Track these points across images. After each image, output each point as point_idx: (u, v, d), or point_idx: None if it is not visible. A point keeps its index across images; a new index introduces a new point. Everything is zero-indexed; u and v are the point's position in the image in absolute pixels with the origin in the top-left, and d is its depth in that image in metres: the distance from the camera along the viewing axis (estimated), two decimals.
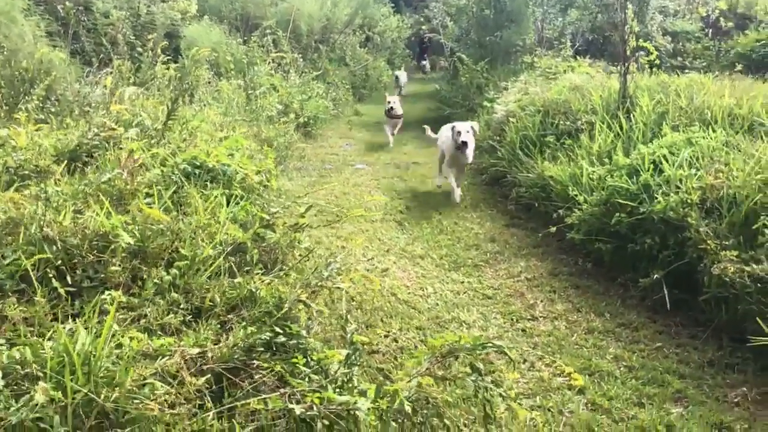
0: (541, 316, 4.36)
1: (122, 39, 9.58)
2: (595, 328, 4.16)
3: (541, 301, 4.58)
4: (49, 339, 2.34)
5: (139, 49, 9.50)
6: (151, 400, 2.17)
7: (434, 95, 15.05)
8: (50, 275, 2.83)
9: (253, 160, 5.36)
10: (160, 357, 2.41)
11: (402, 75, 17.43)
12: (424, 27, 21.84)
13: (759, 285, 3.57)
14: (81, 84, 7.18)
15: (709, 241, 3.97)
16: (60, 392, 2.07)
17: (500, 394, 2.83)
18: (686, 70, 9.85)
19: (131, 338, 2.43)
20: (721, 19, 13.09)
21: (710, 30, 13.33)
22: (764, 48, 10.79)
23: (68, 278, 2.88)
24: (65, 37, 8.85)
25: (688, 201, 4.32)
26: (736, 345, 3.78)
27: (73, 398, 2.07)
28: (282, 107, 9.88)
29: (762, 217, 3.75)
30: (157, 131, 5.33)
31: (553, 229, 5.54)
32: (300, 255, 3.73)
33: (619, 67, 6.97)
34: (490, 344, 2.97)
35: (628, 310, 4.41)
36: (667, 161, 4.83)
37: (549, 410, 3.25)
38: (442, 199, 7.33)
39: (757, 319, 3.43)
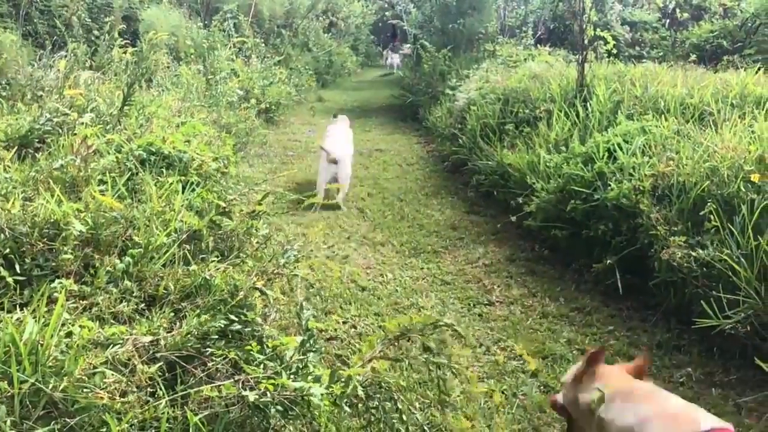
0: (497, 301, 4.43)
1: (77, 21, 9.32)
2: (549, 313, 4.25)
3: (498, 287, 4.65)
4: None
5: (96, 32, 9.26)
6: (101, 389, 2.15)
7: (398, 82, 15.06)
8: None
9: (212, 146, 5.30)
10: (112, 345, 2.38)
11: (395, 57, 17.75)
12: (387, 13, 21.80)
13: (704, 269, 3.69)
14: (34, 67, 6.98)
15: (659, 227, 4.08)
16: (6, 383, 2.04)
17: (452, 370, 2.86)
18: (643, 60, 10.06)
19: (82, 327, 2.39)
20: (678, 9, 13.37)
21: (667, 20, 13.61)
22: (717, 39, 11.07)
23: (17, 267, 2.82)
24: (16, 18, 8.58)
25: (641, 188, 4.42)
26: (684, 327, 3.91)
27: (20, 389, 2.04)
28: (243, 93, 9.77)
29: (708, 204, 3.87)
30: (113, 117, 5.23)
31: (513, 218, 5.63)
32: (257, 242, 3.71)
33: (577, 56, 7.08)
34: (441, 323, 3.02)
35: (582, 295, 4.52)
36: (621, 149, 4.94)
37: (503, 393, 3.32)
38: (403, 186, 7.37)
39: (702, 302, 3.55)
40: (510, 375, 3.49)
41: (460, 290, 4.60)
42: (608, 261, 4.46)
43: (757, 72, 6.11)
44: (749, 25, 11.00)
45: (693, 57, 10.07)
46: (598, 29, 7.20)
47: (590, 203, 4.77)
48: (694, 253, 3.76)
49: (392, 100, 14.02)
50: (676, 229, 4.04)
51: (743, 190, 3.84)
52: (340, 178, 6.49)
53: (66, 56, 7.30)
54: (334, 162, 6.51)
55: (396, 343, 2.80)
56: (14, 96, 6.09)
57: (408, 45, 19.23)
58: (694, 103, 5.56)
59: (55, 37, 8.63)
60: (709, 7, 12.80)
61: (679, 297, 3.98)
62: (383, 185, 7.40)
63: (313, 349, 2.69)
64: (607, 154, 5.02)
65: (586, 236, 4.76)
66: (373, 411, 2.54)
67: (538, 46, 11.93)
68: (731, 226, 3.70)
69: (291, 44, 15.46)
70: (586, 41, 6.80)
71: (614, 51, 8.04)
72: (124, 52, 8.14)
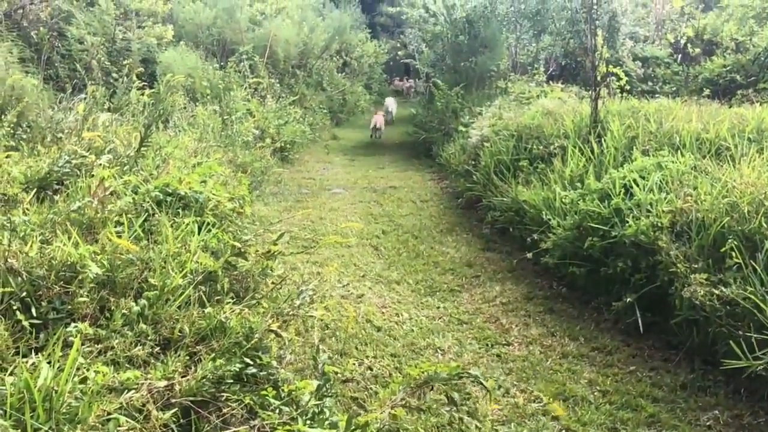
0: (516, 341, 4.36)
1: (97, 65, 9.54)
2: (569, 353, 4.17)
3: (516, 326, 4.58)
4: (10, 374, 2.28)
5: (114, 75, 9.46)
6: None
7: (411, 119, 15.19)
8: (14, 307, 2.76)
9: (227, 186, 5.33)
10: (126, 391, 2.36)
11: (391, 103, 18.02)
12: (400, 52, 22.14)
13: (728, 308, 3.61)
14: (54, 110, 7.11)
15: (679, 265, 4.02)
16: (20, 430, 2.01)
17: (476, 426, 2.82)
18: (656, 95, 10.08)
19: (96, 372, 2.38)
20: (689, 45, 13.43)
21: (679, 55, 13.66)
22: (730, 74, 11.08)
23: (33, 310, 2.82)
24: (38, 63, 8.78)
25: (659, 225, 4.37)
26: (708, 368, 3.81)
27: None
28: (258, 132, 9.88)
29: (729, 240, 3.81)
30: (130, 158, 5.29)
31: (530, 255, 5.59)
32: (273, 283, 3.69)
33: (590, 92, 7.10)
34: (466, 374, 2.97)
35: (602, 334, 4.43)
36: (637, 185, 4.90)
37: None
38: (418, 223, 7.35)
39: (730, 342, 3.46)
40: (530, 418, 3.40)
41: (477, 330, 4.53)
42: (628, 299, 4.38)
43: None
44: (762, 59, 11.01)
45: (706, 92, 10.07)
46: (610, 65, 7.23)
47: (608, 240, 4.71)
48: (716, 291, 3.69)
49: (405, 137, 14.12)
50: (696, 266, 3.97)
51: (765, 225, 3.78)
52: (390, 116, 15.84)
53: (85, 99, 7.44)
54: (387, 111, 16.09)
55: (417, 391, 2.73)
56: (34, 138, 6.18)
57: (410, 81, 20.70)
58: (710, 138, 5.53)
59: (75, 81, 8.82)
60: (721, 41, 12.84)
61: (703, 336, 3.89)
62: (398, 222, 7.38)
63: (330, 394, 2.64)
64: (623, 190, 4.99)
65: (604, 273, 4.70)
66: None
67: (550, 82, 12.00)
68: (754, 263, 3.63)
69: (305, 84, 15.68)
70: (598, 77, 6.83)
71: (627, 87, 8.07)
72: (142, 94, 8.30)
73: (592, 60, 6.98)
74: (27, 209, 4.03)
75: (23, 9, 9.44)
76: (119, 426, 2.16)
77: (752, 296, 3.46)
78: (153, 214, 4.05)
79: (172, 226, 3.73)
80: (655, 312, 4.34)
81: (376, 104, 20.75)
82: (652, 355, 4.12)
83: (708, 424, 3.34)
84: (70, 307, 2.90)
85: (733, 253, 3.75)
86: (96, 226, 3.74)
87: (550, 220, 5.42)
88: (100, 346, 2.70)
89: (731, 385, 3.62)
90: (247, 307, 3.18)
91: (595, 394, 3.67)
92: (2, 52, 7.59)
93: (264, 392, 2.53)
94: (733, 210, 4.08)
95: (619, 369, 3.96)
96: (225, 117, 9.38)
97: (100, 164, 4.83)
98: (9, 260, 2.91)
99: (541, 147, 6.97)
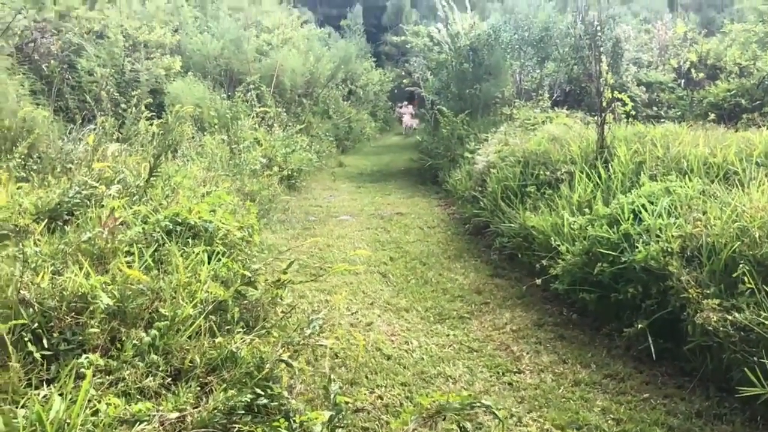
0: (527, 369, 4.31)
1: (106, 96, 9.68)
2: (581, 380, 4.12)
3: (527, 353, 4.54)
4: (22, 406, 2.27)
5: (123, 106, 9.59)
6: None
7: (417, 146, 15.26)
8: (26, 339, 2.77)
9: (236, 215, 5.35)
10: (138, 423, 2.35)
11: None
12: (405, 80, 22.38)
13: (742, 333, 3.58)
14: (64, 141, 7.20)
15: (690, 290, 3.99)
16: None
17: None
18: (662, 120, 10.11)
19: (108, 404, 2.37)
20: (693, 70, 13.50)
21: (683, 80, 13.73)
22: (734, 98, 11.11)
23: (44, 342, 2.82)
24: (49, 95, 8.92)
25: (669, 250, 4.35)
26: (723, 394, 3.76)
27: None
28: (266, 161, 9.95)
29: (741, 265, 3.78)
30: (139, 188, 5.33)
31: (539, 281, 5.57)
32: (282, 312, 3.69)
33: (596, 118, 7.14)
34: (479, 403, 2.94)
35: (614, 361, 4.38)
36: (646, 210, 4.89)
37: None
38: (426, 249, 7.34)
39: (744, 369, 3.42)
40: None
41: (488, 357, 4.49)
42: (639, 325, 4.34)
43: None
44: (767, 83, 11.06)
45: (712, 116, 10.10)
46: (615, 91, 7.28)
47: (618, 265, 4.69)
48: (729, 317, 3.65)
49: (411, 164, 14.18)
50: (708, 291, 3.94)
51: None
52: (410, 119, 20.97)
53: (95, 129, 7.53)
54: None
55: (430, 421, 2.70)
56: (45, 169, 6.25)
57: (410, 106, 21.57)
58: (718, 163, 5.53)
59: (85, 112, 8.94)
60: (725, 66, 12.91)
61: (716, 362, 3.84)
62: (405, 249, 7.37)
63: (342, 425, 2.62)
64: (632, 215, 4.98)
65: (615, 299, 4.66)
66: None
67: (555, 108, 12.07)
68: (767, 288, 3.60)
69: (312, 112, 15.84)
70: (604, 103, 6.86)
71: (632, 112, 8.11)
72: (151, 124, 8.40)
73: (597, 86, 7.03)
74: (38, 240, 4.06)
75: (34, 42, 9.62)
76: None
77: (766, 321, 3.43)
78: (163, 244, 4.07)
79: (182, 256, 3.74)
80: (667, 338, 4.30)
81: (382, 131, 21.06)
82: (666, 382, 4.07)
83: None
84: (81, 337, 2.91)
85: (746, 278, 3.72)
86: (106, 256, 3.76)
87: (558, 245, 5.41)
88: (111, 377, 2.70)
89: (747, 413, 3.56)
90: (257, 336, 3.17)
91: (609, 422, 3.61)
92: (14, 85, 7.71)
93: (276, 423, 2.51)
94: (743, 234, 4.06)
95: (632, 396, 3.91)
96: (233, 146, 9.47)
97: (110, 194, 4.88)
98: (21, 291, 2.92)
99: (547, 173, 6.99)
